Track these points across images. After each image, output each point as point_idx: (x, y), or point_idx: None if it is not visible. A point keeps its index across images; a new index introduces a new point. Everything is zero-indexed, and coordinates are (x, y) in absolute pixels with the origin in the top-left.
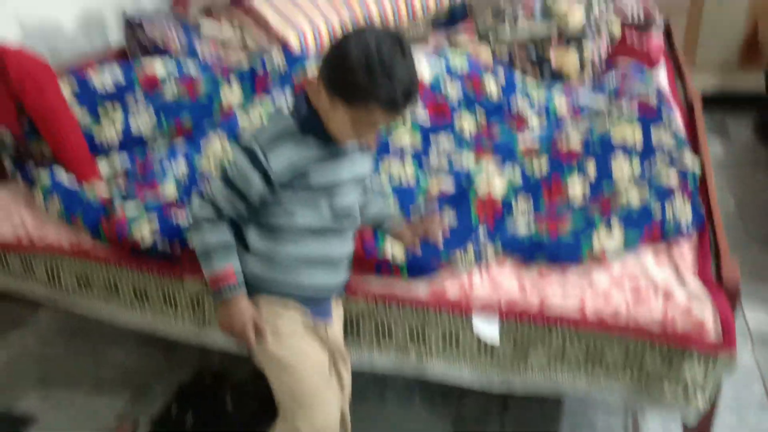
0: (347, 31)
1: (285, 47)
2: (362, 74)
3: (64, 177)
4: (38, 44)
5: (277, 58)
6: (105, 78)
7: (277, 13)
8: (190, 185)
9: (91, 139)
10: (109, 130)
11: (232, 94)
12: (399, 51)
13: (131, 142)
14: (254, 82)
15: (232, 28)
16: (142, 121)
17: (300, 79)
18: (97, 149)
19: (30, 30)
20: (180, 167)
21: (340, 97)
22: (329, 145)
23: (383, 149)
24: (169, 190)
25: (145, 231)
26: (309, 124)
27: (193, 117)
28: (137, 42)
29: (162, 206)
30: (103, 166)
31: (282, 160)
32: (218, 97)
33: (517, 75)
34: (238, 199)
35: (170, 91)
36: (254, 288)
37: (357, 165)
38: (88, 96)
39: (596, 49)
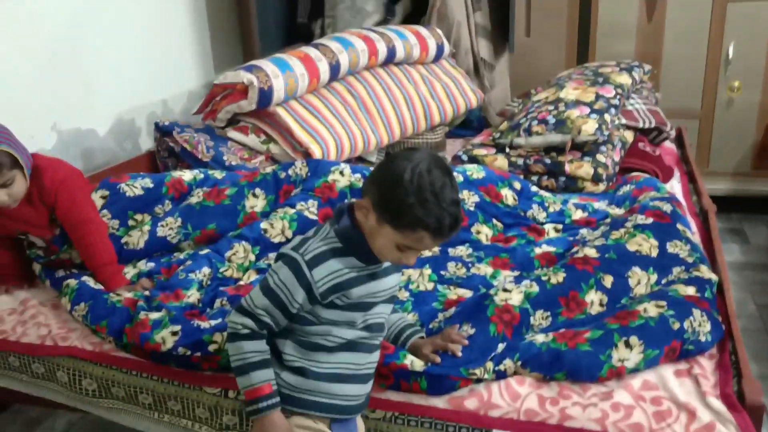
0: (396, 153)
1: (309, 158)
2: (415, 202)
3: (91, 284)
4: (72, 150)
5: (302, 169)
6: (135, 187)
7: (300, 124)
8: (213, 294)
9: (120, 245)
10: (138, 238)
11: (256, 202)
12: (447, 178)
13: (157, 246)
14: (278, 191)
15: (257, 137)
16: (169, 228)
17: (323, 191)
18: (125, 256)
19: (66, 138)
20: (203, 275)
21: (389, 221)
22: (370, 263)
23: None
24: (192, 297)
25: (166, 336)
26: (353, 243)
27: (218, 224)
28: (167, 147)
29: (184, 313)
30: (129, 269)
31: (326, 276)
32: (243, 204)
33: (533, 185)
34: (279, 312)
35: (197, 198)
36: (285, 402)
37: (392, 280)
38: (119, 204)
39: (609, 157)
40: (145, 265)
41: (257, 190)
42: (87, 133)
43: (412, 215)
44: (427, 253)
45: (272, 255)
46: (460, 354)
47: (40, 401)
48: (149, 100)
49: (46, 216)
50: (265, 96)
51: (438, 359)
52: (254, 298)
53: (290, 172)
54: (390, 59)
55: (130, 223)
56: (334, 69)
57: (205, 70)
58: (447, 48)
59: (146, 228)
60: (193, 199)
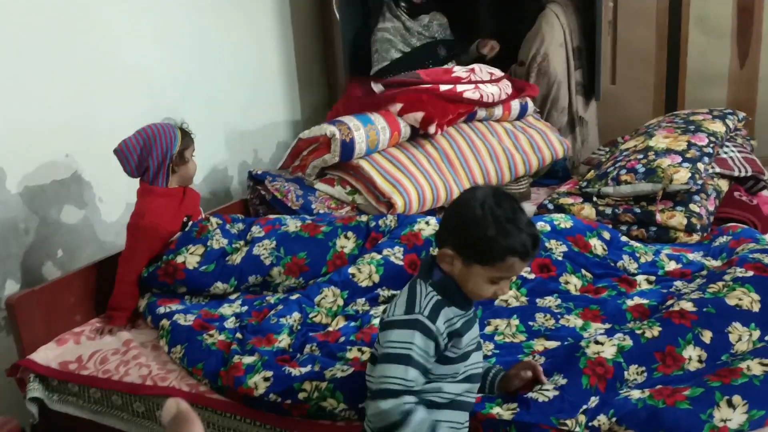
0: (457, 198)
1: (396, 212)
2: (497, 234)
3: (181, 321)
4: None
5: (392, 221)
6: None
7: (383, 176)
8: (303, 339)
9: (223, 262)
10: (237, 256)
11: (347, 243)
12: (515, 203)
13: (251, 263)
14: (367, 238)
15: (343, 189)
16: (264, 248)
17: (408, 238)
18: (225, 272)
19: None
20: (294, 320)
21: (477, 260)
22: (466, 308)
23: (487, 308)
24: (283, 342)
25: (259, 381)
26: (451, 292)
27: (309, 254)
28: (258, 195)
29: (276, 358)
30: (225, 309)
31: (444, 325)
32: (335, 242)
33: (622, 234)
34: (423, 376)
35: (293, 227)
36: None
37: (477, 327)
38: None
39: (703, 207)
40: (239, 308)
41: (349, 233)
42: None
43: (498, 247)
44: (514, 303)
45: (360, 300)
46: (545, 380)
47: None
48: (241, 150)
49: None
50: (347, 148)
51: (530, 374)
52: (398, 374)
53: (380, 222)
54: (470, 119)
55: (235, 246)
56: None
57: (294, 122)
58: (531, 107)
59: (245, 248)
60: (290, 228)
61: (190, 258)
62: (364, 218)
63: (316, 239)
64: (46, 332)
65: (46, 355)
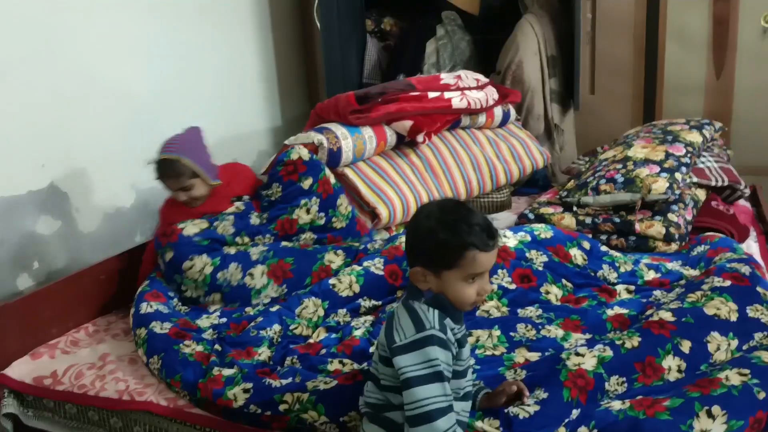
0: (410, 220)
1: (380, 224)
2: (447, 234)
3: (157, 330)
4: (151, 206)
5: (379, 245)
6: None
7: (367, 185)
8: (283, 351)
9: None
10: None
11: (335, 259)
12: (458, 204)
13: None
14: (355, 257)
15: None
16: (260, 244)
17: (389, 251)
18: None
19: (144, 196)
20: (274, 332)
21: (442, 266)
22: (458, 323)
23: (468, 318)
24: (263, 355)
25: (238, 393)
26: (445, 306)
27: (296, 260)
28: None
29: (256, 370)
30: (202, 321)
31: (451, 334)
32: (323, 256)
33: (602, 244)
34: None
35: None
36: None
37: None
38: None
39: (681, 216)
40: (217, 320)
41: (339, 251)
42: (163, 192)
43: (452, 245)
44: (496, 314)
45: (342, 311)
46: (528, 395)
47: None
48: (221, 159)
49: (229, 197)
50: (334, 156)
51: (515, 389)
52: (439, 392)
53: (369, 246)
54: (455, 127)
55: (237, 240)
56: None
57: (274, 130)
58: (513, 114)
59: (242, 247)
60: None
61: (191, 227)
62: (355, 244)
63: (306, 251)
64: (21, 346)
65: (20, 369)
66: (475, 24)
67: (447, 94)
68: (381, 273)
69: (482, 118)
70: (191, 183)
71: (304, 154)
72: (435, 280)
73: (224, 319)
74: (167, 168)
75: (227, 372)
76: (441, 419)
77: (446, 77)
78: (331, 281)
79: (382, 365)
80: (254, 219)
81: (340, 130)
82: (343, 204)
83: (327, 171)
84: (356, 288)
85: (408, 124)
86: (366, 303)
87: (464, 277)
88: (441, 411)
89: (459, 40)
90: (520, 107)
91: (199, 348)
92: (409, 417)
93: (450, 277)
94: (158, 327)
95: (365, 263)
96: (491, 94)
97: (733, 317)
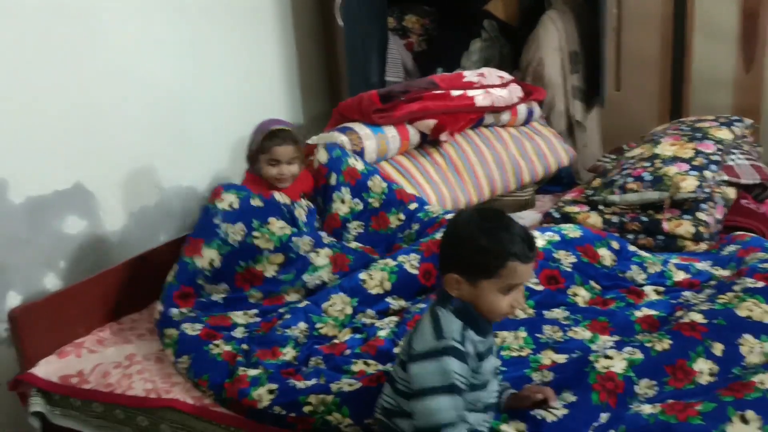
0: (446, 226)
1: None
2: (489, 242)
3: (189, 332)
4: (174, 205)
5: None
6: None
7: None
8: (308, 352)
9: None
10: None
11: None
12: (498, 212)
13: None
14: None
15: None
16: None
17: (428, 246)
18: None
19: (168, 194)
20: (300, 331)
21: (480, 275)
22: (485, 335)
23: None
24: (288, 355)
25: (263, 393)
26: (470, 317)
27: (355, 259)
28: None
29: (281, 371)
30: (238, 317)
31: (471, 347)
32: (379, 261)
33: (630, 243)
34: (463, 401)
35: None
36: None
37: (495, 353)
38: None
39: (711, 215)
40: (253, 317)
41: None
42: (187, 190)
43: (494, 254)
44: (522, 315)
45: (370, 312)
46: (555, 403)
47: None
48: (244, 158)
49: (299, 191)
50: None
51: (541, 397)
52: (450, 406)
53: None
54: (478, 125)
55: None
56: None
57: (297, 129)
58: (537, 111)
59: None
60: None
61: (279, 197)
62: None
63: (367, 255)
64: (48, 345)
65: (47, 368)
66: (510, 29)
67: (470, 92)
68: (415, 272)
69: (506, 116)
70: (297, 157)
71: (322, 158)
72: (469, 289)
73: (258, 319)
74: (287, 135)
75: (252, 372)
76: (447, 426)
77: (469, 75)
78: (362, 276)
79: (400, 369)
80: (317, 222)
81: (363, 130)
82: (375, 183)
83: (350, 160)
84: (387, 286)
85: (431, 123)
86: (395, 303)
87: (501, 288)
88: (449, 425)
89: (502, 46)
90: (541, 104)
91: (228, 348)
92: (417, 427)
93: (486, 286)
94: (190, 329)
95: (400, 258)
96: (515, 91)
97: (766, 319)
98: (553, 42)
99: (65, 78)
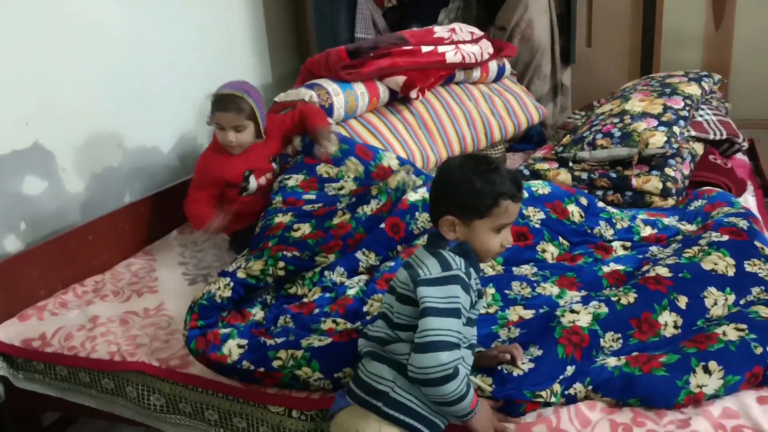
0: (437, 173)
1: None
2: (483, 183)
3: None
4: (138, 167)
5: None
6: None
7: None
8: (277, 311)
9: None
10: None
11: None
12: (487, 157)
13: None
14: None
15: None
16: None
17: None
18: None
19: (132, 155)
20: (267, 293)
21: (474, 215)
22: (478, 274)
23: None
24: (257, 316)
25: (233, 347)
26: (470, 255)
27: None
28: None
29: (251, 328)
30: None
31: (472, 280)
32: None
33: (598, 199)
34: (461, 328)
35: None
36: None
37: None
38: None
39: (679, 171)
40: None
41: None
42: (151, 151)
43: (488, 194)
44: (491, 272)
45: (339, 270)
46: (521, 362)
47: (108, 415)
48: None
49: (267, 155)
50: (326, 113)
51: (509, 357)
52: (454, 327)
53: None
54: (449, 82)
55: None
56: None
57: (264, 87)
58: (508, 68)
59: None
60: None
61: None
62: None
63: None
64: (8, 308)
65: (8, 332)
66: None
67: (441, 48)
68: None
69: (477, 73)
70: (246, 124)
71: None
72: (464, 230)
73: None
74: (230, 101)
75: (224, 331)
76: (447, 352)
77: (440, 30)
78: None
79: (399, 303)
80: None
81: (331, 86)
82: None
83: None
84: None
85: (401, 79)
86: (365, 259)
87: (493, 227)
88: (449, 344)
89: (479, 9)
90: (527, 67)
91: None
92: (417, 344)
93: (480, 226)
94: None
95: (360, 211)
96: (486, 48)
97: (731, 272)
98: (542, 3)
99: (15, 28)
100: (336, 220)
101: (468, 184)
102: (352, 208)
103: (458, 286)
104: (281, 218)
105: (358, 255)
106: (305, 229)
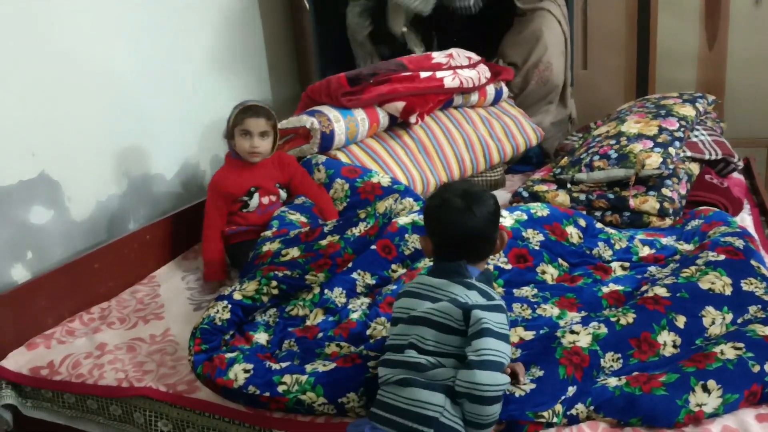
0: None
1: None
2: (428, 221)
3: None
4: (143, 194)
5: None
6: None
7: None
8: (281, 335)
9: None
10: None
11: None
12: (460, 207)
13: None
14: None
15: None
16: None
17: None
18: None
19: (136, 183)
20: (269, 315)
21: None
22: None
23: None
24: (261, 339)
25: (239, 372)
26: (487, 281)
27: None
28: None
29: (256, 352)
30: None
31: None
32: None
33: (597, 220)
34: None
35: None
36: None
37: None
38: None
39: (675, 191)
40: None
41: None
42: (155, 178)
43: (427, 229)
44: None
45: (338, 290)
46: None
47: None
48: (212, 144)
49: (275, 180)
50: (327, 140)
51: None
52: (499, 349)
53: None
54: (447, 106)
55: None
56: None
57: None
58: (506, 92)
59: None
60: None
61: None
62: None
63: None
64: (16, 337)
65: (17, 360)
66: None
67: (439, 74)
68: (374, 248)
69: (475, 97)
70: (270, 132)
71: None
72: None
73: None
74: (261, 108)
75: (230, 354)
76: (503, 374)
77: (438, 56)
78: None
79: (441, 334)
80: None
81: (332, 112)
82: (338, 189)
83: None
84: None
85: (400, 105)
86: (360, 279)
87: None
88: (503, 367)
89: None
90: (540, 100)
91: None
92: (476, 361)
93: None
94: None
95: (349, 232)
96: (483, 72)
97: (728, 291)
98: (559, 44)
99: (23, 64)
100: (324, 242)
101: (426, 213)
102: (340, 230)
103: (504, 315)
104: (269, 246)
105: (354, 276)
106: (294, 252)
